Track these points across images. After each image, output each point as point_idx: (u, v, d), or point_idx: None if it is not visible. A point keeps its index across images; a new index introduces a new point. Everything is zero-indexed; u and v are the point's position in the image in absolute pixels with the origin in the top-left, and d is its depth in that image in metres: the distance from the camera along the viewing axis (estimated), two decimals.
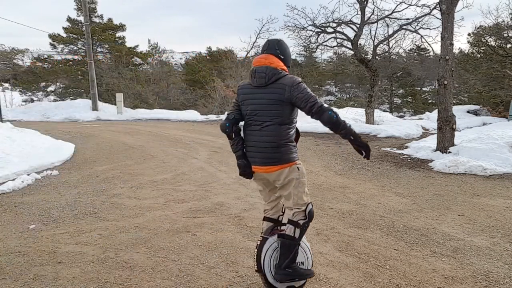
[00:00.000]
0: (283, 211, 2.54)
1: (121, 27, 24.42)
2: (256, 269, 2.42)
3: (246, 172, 2.40)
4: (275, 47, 2.36)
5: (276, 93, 2.24)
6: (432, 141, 7.66)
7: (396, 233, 3.43)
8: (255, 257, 2.42)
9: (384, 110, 21.71)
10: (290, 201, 2.35)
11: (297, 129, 2.44)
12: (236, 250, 3.08)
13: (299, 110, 2.32)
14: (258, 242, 2.45)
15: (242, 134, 2.43)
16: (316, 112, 2.17)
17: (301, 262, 2.43)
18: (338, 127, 2.19)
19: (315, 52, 15.47)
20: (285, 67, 2.35)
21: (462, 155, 6.22)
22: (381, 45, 13.93)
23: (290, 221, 2.35)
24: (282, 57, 2.36)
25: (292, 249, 2.32)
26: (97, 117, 15.40)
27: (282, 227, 2.46)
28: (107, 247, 3.13)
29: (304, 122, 11.94)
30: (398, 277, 2.65)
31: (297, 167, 2.33)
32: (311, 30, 12.57)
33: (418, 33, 11.56)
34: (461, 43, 45.84)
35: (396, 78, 28.91)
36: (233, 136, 2.38)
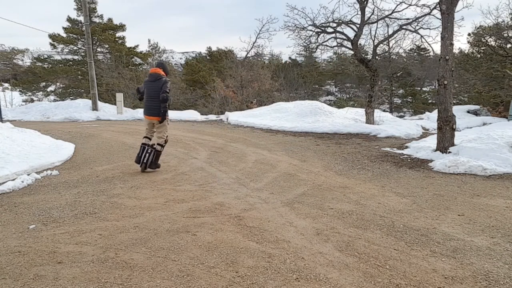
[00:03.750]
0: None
1: (121, 27, 24.40)
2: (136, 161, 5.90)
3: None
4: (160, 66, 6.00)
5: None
6: (432, 141, 7.66)
7: (396, 233, 3.43)
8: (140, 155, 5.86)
9: (384, 110, 21.73)
10: (160, 134, 5.99)
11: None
12: (236, 250, 3.08)
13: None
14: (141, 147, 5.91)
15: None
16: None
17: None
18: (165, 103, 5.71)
19: (315, 52, 15.46)
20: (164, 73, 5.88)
21: (462, 155, 6.22)
22: (381, 45, 13.93)
23: (159, 144, 5.94)
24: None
25: (159, 155, 6.00)
26: (97, 117, 15.39)
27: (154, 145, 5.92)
28: (107, 247, 3.13)
29: (305, 122, 11.95)
30: (398, 277, 2.65)
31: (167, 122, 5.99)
32: (311, 30, 12.56)
33: (418, 33, 11.54)
34: (461, 43, 45.87)
35: (396, 78, 28.95)
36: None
